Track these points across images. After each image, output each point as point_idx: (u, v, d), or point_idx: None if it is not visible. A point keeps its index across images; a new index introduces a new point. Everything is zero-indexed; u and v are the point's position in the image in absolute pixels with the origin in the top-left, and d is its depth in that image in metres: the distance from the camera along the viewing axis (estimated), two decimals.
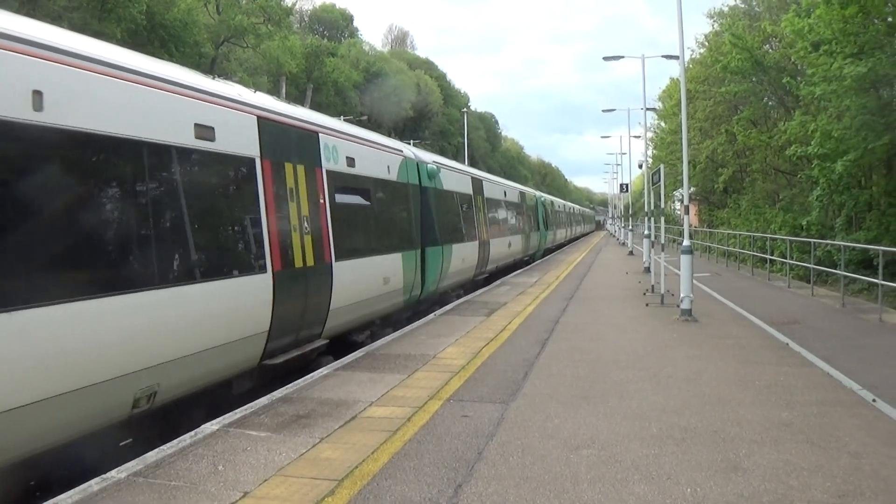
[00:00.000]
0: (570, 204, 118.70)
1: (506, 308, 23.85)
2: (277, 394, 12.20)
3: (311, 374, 13.77)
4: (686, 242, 21.91)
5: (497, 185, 42.64)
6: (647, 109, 52.72)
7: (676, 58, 52.85)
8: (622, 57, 45.53)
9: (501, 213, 41.31)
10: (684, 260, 21.28)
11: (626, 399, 11.72)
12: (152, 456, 9.06)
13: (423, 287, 22.98)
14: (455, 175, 30.69)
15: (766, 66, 44.49)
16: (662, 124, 78.96)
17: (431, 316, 22.33)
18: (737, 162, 58.41)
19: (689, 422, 10.42)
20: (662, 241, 26.49)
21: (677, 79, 71.20)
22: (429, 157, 27.36)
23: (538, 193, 65.12)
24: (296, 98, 77.50)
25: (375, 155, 20.12)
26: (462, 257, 28.63)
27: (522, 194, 51.93)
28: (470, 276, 31.65)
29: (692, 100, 58.79)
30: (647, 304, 24.37)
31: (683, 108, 23.48)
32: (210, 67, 64.25)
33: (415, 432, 9.92)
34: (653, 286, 27.75)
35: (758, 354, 15.90)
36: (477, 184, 34.39)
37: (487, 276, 35.26)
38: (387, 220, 20.77)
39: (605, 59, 45.52)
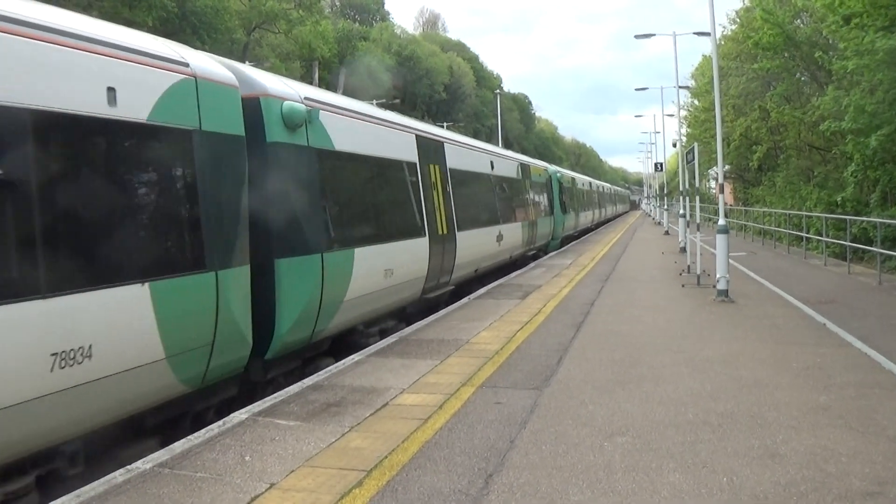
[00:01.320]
0: (599, 182, 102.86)
1: (540, 291, 23.68)
2: (308, 381, 12.12)
3: (343, 361, 13.69)
4: (721, 222, 21.62)
5: (469, 152, 28.42)
6: (680, 87, 52.15)
7: (708, 34, 52.73)
8: (653, 35, 45.13)
9: (480, 193, 28.70)
10: (720, 240, 20.99)
11: (661, 384, 11.53)
12: (179, 446, 8.97)
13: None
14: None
15: (797, 42, 43.85)
16: (696, 102, 78.04)
17: (465, 300, 22.17)
18: (771, 139, 57.60)
19: (726, 407, 10.21)
20: (698, 221, 26.13)
21: (709, 56, 70.76)
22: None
23: (552, 168, 51.88)
24: (328, 83, 77.16)
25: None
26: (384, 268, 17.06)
27: (523, 168, 38.93)
28: (414, 296, 19.84)
29: (725, 77, 57.90)
30: (683, 285, 24.09)
31: (716, 85, 23.14)
32: (242, 54, 64.30)
33: (446, 420, 9.78)
34: (689, 266, 27.45)
35: (795, 335, 15.67)
36: (431, 146, 22.28)
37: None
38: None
39: (637, 37, 45.22)
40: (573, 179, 62.53)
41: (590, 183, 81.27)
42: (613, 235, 59.21)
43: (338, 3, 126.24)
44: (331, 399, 10.97)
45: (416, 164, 20.19)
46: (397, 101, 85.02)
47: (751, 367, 12.65)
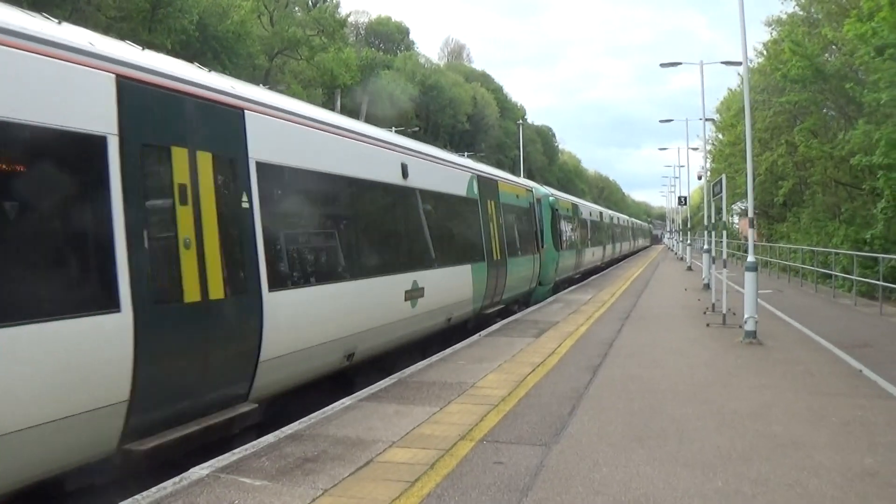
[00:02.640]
0: (615, 213, 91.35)
1: (557, 328, 22.35)
2: (288, 429, 10.78)
3: (332, 406, 12.31)
4: (751, 258, 20.27)
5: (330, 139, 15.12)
6: (706, 120, 50.89)
7: (737, 64, 51.51)
8: (680, 63, 44.01)
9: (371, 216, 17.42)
10: (749, 277, 19.66)
11: (686, 441, 10.15)
12: None
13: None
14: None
15: (826, 74, 42.59)
16: (720, 136, 76.74)
17: (475, 337, 20.87)
18: (796, 174, 56.29)
19: (760, 471, 8.85)
20: (724, 257, 24.81)
21: (735, 89, 69.72)
22: None
23: (543, 189, 40.05)
24: (350, 111, 76.35)
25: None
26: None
27: (481, 183, 25.74)
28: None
29: (753, 109, 56.63)
30: (707, 325, 22.72)
31: (747, 111, 21.87)
32: (264, 79, 63.55)
33: (436, 484, 8.44)
34: (713, 304, 26.13)
35: (829, 383, 14.32)
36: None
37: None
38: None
39: (663, 65, 43.84)
40: (575, 207, 50.21)
41: (600, 214, 67.94)
42: (635, 270, 57.75)
43: (362, 32, 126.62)
44: (309, 453, 9.63)
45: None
46: (416, 129, 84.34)
47: (784, 421, 11.26)
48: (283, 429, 10.80)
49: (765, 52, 59.55)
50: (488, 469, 8.95)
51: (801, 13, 53.35)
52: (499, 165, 77.30)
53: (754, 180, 55.60)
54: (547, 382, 14.22)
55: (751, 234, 21.10)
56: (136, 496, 8.05)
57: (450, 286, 20.92)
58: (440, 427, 10.87)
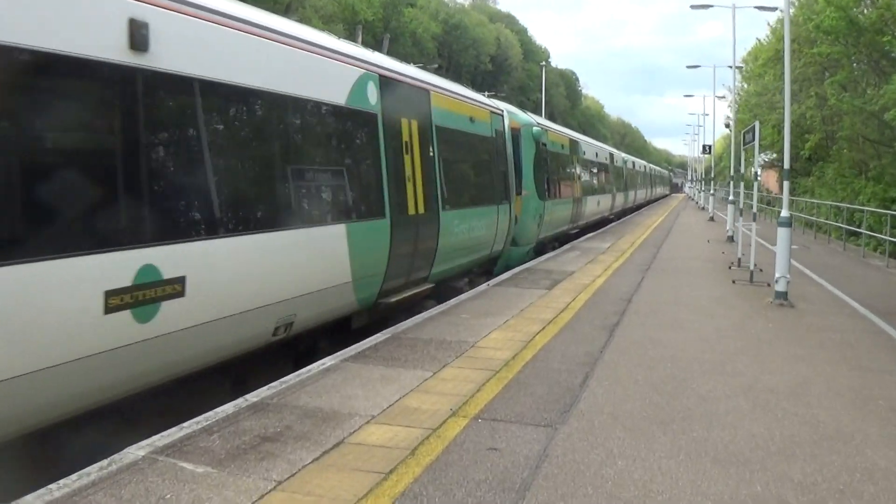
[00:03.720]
0: (629, 157, 76.15)
1: (572, 279, 20.83)
2: (252, 397, 9.24)
3: (310, 367, 10.80)
4: (785, 213, 18.62)
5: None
6: (735, 67, 49.26)
7: (771, 9, 49.75)
8: (711, 6, 42.37)
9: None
10: (782, 234, 18.05)
11: (715, 427, 8.60)
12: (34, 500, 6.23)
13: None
14: None
15: (861, 27, 40.68)
16: (745, 86, 74.61)
17: (484, 286, 19.43)
18: (823, 129, 54.51)
19: (805, 472, 7.33)
20: (754, 210, 23.22)
21: (763, 40, 67.59)
22: None
23: (522, 116, 29.48)
24: (372, 46, 74.84)
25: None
26: None
27: (400, 93, 16.06)
28: None
29: (779, 60, 55.38)
30: (733, 281, 21.23)
31: (787, 48, 19.87)
32: (284, 12, 62.15)
33: (415, 477, 6.94)
34: (739, 259, 24.55)
35: (872, 357, 12.76)
36: None
37: None
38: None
39: (693, 7, 42.50)
40: (574, 144, 40.22)
41: (611, 155, 56.48)
42: (655, 219, 56.12)
43: None
44: (270, 429, 8.12)
45: None
46: (435, 66, 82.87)
47: (827, 404, 9.70)
48: (247, 396, 9.26)
49: (796, 2, 57.77)
50: (480, 458, 7.43)
51: None
52: (521, 107, 75.47)
53: (777, 134, 54.25)
54: (557, 344, 12.69)
55: (786, 187, 19.38)
56: (50, 486, 6.59)
57: (278, 266, 11.21)
58: (430, 398, 9.35)
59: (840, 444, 8.21)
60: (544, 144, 29.85)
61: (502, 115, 24.52)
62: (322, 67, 12.79)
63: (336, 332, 13.67)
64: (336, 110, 13.19)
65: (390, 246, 14.53)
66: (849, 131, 47.12)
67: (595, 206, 44.77)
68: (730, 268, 24.19)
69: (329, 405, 8.99)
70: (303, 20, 64.80)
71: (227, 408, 8.84)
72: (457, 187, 19.72)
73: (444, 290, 18.75)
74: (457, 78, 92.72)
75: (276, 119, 11.60)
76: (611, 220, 52.23)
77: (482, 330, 13.62)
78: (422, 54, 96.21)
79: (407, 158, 15.86)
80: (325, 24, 72.02)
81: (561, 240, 34.55)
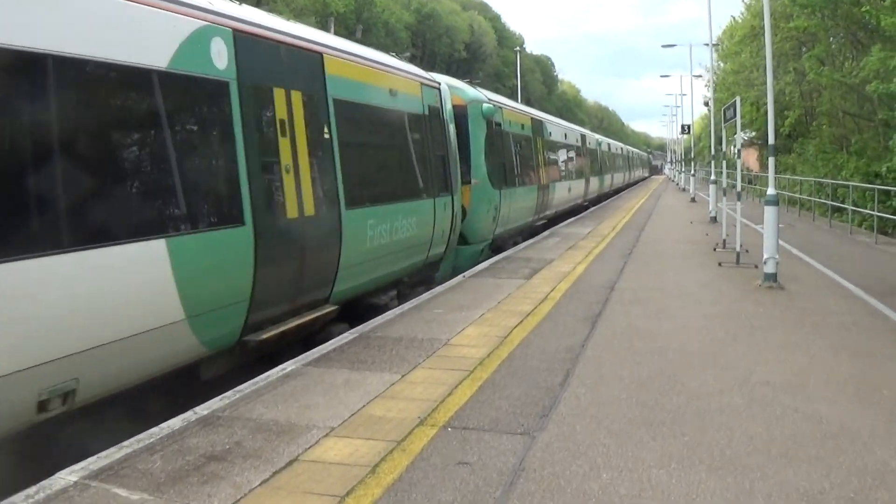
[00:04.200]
0: (604, 139, 69.37)
1: (551, 267, 20.07)
2: (202, 409, 8.41)
3: (268, 373, 9.95)
4: (771, 191, 17.89)
5: None
6: (712, 45, 48.81)
7: None
8: None
9: None
10: (769, 212, 17.32)
11: (708, 429, 7.83)
12: None
13: None
14: None
15: None
16: (722, 65, 74.20)
17: (460, 278, 18.60)
18: (802, 105, 54.11)
19: (810, 479, 6.58)
20: (738, 189, 22.50)
21: (738, 18, 67.09)
22: None
23: (470, 92, 25.33)
24: (345, 38, 74.53)
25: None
26: None
27: (272, 55, 12.23)
28: None
29: (755, 36, 55.13)
30: (719, 264, 20.46)
31: (767, 18, 19.16)
32: (255, 5, 61.56)
33: (374, 500, 6.16)
34: (724, 241, 23.93)
35: (871, 342, 12.02)
36: None
37: None
38: None
39: None
40: (538, 125, 35.52)
41: (582, 136, 51.60)
42: (636, 202, 55.38)
43: None
44: (218, 446, 7.31)
45: None
46: (407, 54, 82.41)
47: (829, 397, 8.95)
48: (196, 408, 8.46)
49: None
50: (449, 475, 6.63)
51: None
52: (496, 93, 74.38)
53: (756, 111, 53.74)
54: (536, 338, 11.91)
55: (771, 164, 18.61)
56: None
57: (41, 308, 7.65)
58: (397, 404, 8.56)
59: (846, 442, 7.48)
60: (498, 124, 25.90)
61: (439, 89, 20.00)
62: (118, 15, 8.76)
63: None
64: (146, 76, 9.15)
65: (255, 262, 10.75)
66: (828, 106, 46.91)
67: (565, 193, 40.72)
68: (715, 250, 23.54)
69: (285, 417, 8.19)
70: (273, 12, 64.01)
71: (175, 422, 8.04)
72: (370, 179, 15.52)
73: (362, 309, 15.02)
74: (431, 67, 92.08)
75: (33, 90, 7.73)
76: (586, 208, 48.93)
77: (456, 325, 12.83)
78: (395, 44, 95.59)
79: (284, 143, 11.98)
80: (297, 16, 71.24)
81: (526, 233, 30.72)
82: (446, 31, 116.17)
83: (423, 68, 22.87)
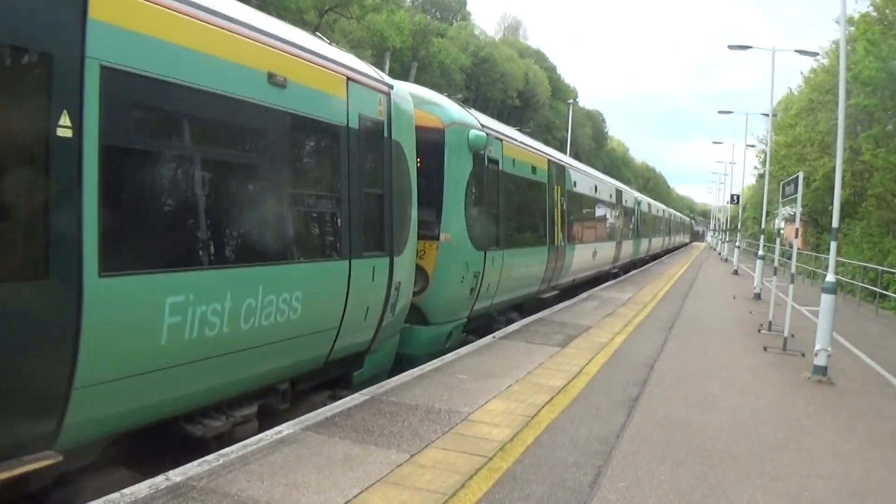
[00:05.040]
0: (644, 197, 63.46)
1: (588, 335, 18.86)
2: (176, 475, 7.29)
3: (262, 435, 8.84)
4: (831, 278, 16.64)
5: None
6: (769, 115, 47.87)
7: (812, 54, 48.04)
8: (750, 47, 40.86)
9: None
10: (826, 301, 16.03)
11: None
12: None
13: None
14: None
15: None
16: (774, 137, 73.48)
17: (489, 338, 17.43)
18: (853, 184, 52.93)
19: None
20: (793, 270, 21.32)
21: (794, 91, 66.35)
22: None
23: (451, 109, 18.23)
24: (399, 75, 74.37)
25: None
26: None
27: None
28: None
29: (812, 110, 54.20)
30: (765, 348, 19.23)
31: (842, 84, 17.91)
32: (312, 34, 61.83)
33: None
34: (770, 322, 22.64)
35: None
36: None
37: None
38: None
39: (731, 47, 41.00)
40: (555, 169, 27.35)
41: (617, 192, 44.93)
42: (678, 269, 54.11)
43: None
44: None
45: None
46: (459, 95, 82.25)
47: None
48: (169, 473, 7.33)
49: (828, 54, 56.65)
50: None
51: (874, 14, 50.08)
52: (546, 145, 73.24)
53: (807, 187, 52.63)
54: (567, 422, 10.68)
55: (832, 249, 17.28)
56: None
57: None
58: (399, 495, 7.37)
59: None
60: (494, 162, 19.63)
61: (387, 95, 13.41)
62: None
63: None
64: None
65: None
66: (880, 189, 45.74)
67: (587, 257, 33.17)
68: (759, 331, 22.35)
69: (268, 496, 7.03)
70: (333, 43, 64.12)
71: (142, 488, 6.94)
72: (178, 219, 8.85)
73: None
74: (483, 110, 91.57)
75: None
76: (615, 275, 42.90)
77: (479, 397, 11.65)
78: (449, 85, 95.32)
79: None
80: (354, 48, 71.54)
81: (524, 309, 23.82)
82: (501, 77, 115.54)
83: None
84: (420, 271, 15.51)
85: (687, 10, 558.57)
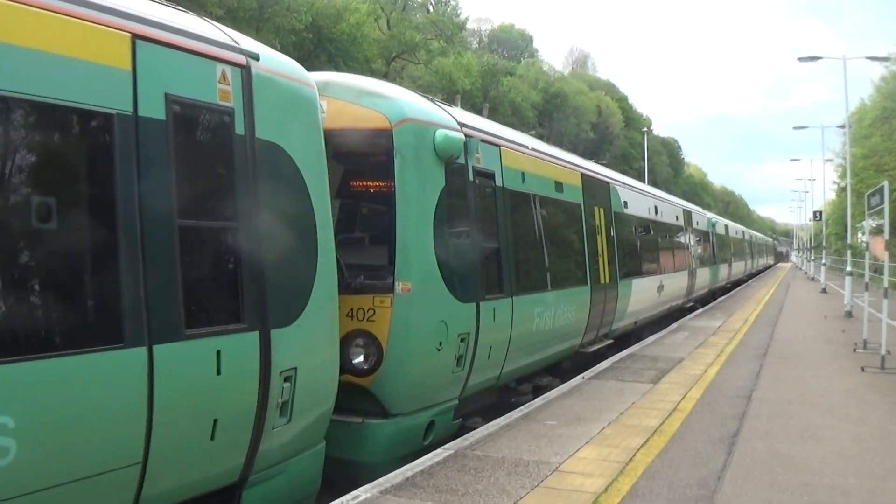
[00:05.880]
0: (714, 216, 52.77)
1: (680, 369, 18.28)
2: None
3: (342, 500, 8.44)
4: None
5: None
6: (846, 127, 47.01)
7: (884, 59, 46.96)
8: (820, 57, 40.13)
9: None
10: None
11: None
12: None
13: None
14: None
15: None
16: (850, 149, 72.25)
17: (577, 380, 16.83)
18: None
19: None
20: (886, 285, 20.57)
21: (867, 101, 65.10)
22: None
23: (384, 93, 12.46)
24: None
25: None
26: None
27: None
28: None
29: (887, 119, 53.05)
30: (862, 369, 18.42)
31: None
32: (384, 77, 62.58)
33: None
34: (865, 341, 21.72)
35: None
36: None
37: None
38: None
39: (801, 59, 40.65)
40: (592, 185, 20.93)
41: (686, 213, 38.78)
42: (765, 292, 53.01)
43: (485, 39, 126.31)
44: None
45: None
46: (532, 132, 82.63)
47: None
48: None
49: None
50: None
51: None
52: (624, 175, 71.62)
53: (891, 196, 51.31)
54: (664, 466, 10.11)
55: None
56: None
57: None
58: None
59: None
60: (484, 175, 14.00)
61: (244, 67, 8.23)
62: None
63: None
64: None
65: None
66: None
67: (651, 294, 27.08)
68: (854, 350, 21.55)
69: None
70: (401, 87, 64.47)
71: None
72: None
73: None
74: (558, 146, 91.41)
75: None
76: (692, 308, 38.05)
77: (570, 444, 11.13)
78: (522, 123, 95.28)
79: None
80: (423, 93, 72.07)
81: (554, 372, 18.16)
82: (573, 111, 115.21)
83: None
84: (368, 340, 11.27)
85: (751, 31, 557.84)
